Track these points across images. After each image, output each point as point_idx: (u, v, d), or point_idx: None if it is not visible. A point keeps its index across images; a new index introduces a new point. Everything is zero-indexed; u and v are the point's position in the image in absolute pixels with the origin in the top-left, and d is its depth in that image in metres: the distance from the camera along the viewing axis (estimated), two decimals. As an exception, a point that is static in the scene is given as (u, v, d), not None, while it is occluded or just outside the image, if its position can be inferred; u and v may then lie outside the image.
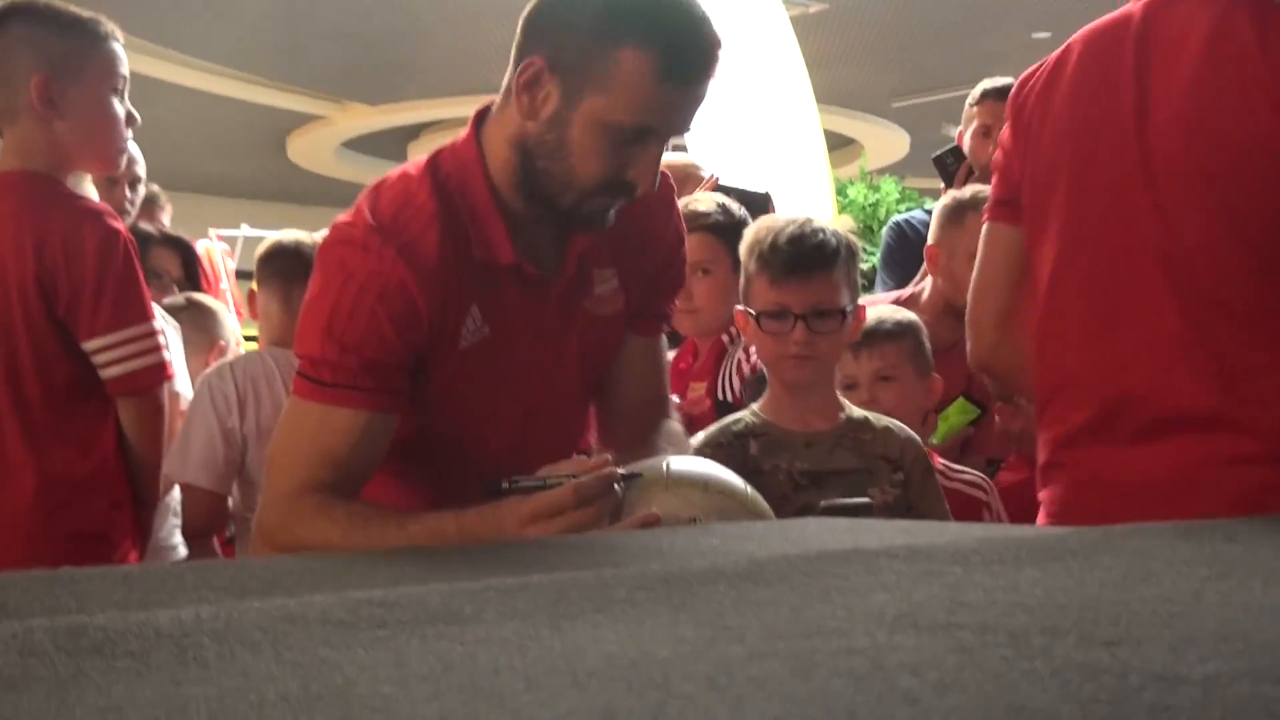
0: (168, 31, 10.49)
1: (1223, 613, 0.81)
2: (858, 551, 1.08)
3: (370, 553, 1.26)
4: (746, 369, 2.81)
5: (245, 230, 10.03)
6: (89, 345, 2.33)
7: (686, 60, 1.67)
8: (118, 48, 2.46)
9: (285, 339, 3.03)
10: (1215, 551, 1.14)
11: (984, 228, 2.11)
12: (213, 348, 3.57)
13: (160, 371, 2.41)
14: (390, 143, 14.12)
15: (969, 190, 3.21)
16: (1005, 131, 2.07)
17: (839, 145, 13.03)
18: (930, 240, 3.18)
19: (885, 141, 13.81)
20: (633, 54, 1.65)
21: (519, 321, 1.84)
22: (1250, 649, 0.68)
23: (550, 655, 0.71)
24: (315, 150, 14.31)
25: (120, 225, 2.38)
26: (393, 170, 1.85)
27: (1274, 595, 0.88)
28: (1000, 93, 3.90)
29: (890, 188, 10.61)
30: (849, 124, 13.18)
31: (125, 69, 2.47)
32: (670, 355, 3.14)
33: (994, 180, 2.12)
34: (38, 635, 0.76)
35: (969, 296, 2.14)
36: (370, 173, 15.13)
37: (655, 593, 0.91)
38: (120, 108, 2.45)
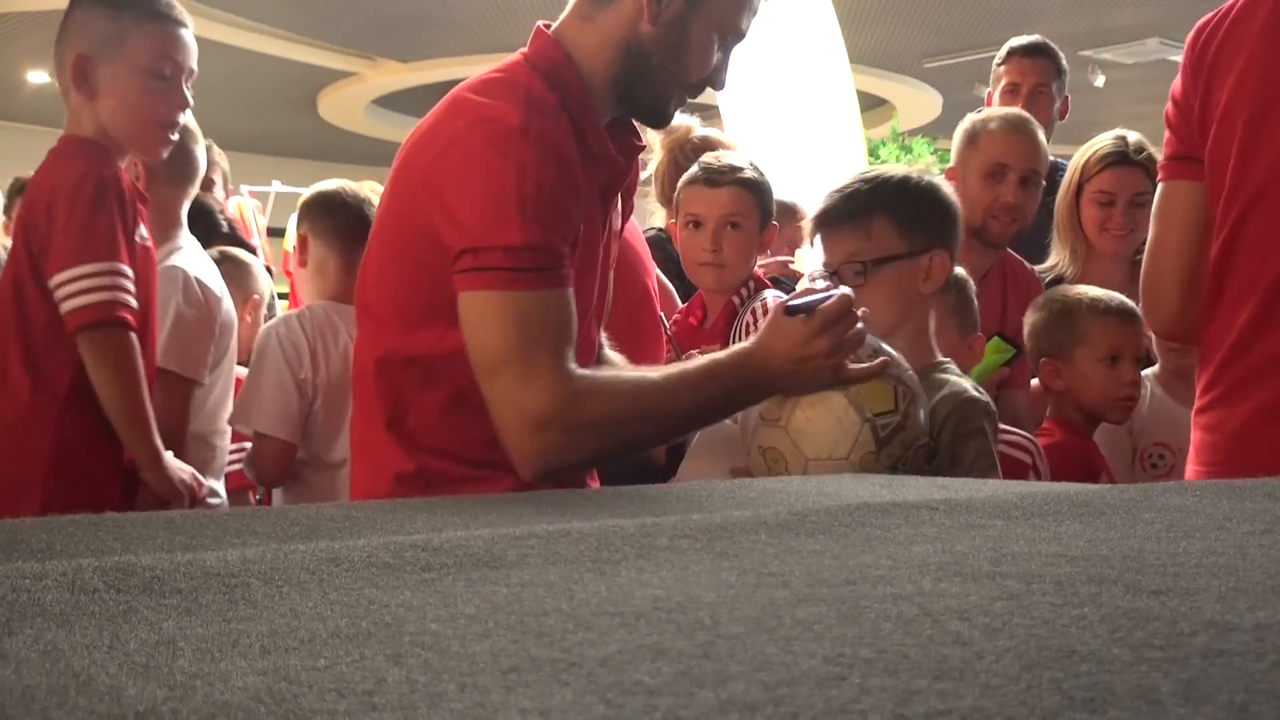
0: (200, -13, 10.48)
1: (1269, 565, 0.81)
2: (897, 504, 1.08)
3: (409, 502, 1.27)
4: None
5: (277, 186, 10.05)
6: (52, 282, 2.32)
7: None
8: (171, 30, 2.45)
9: (344, 295, 3.08)
10: (1257, 508, 1.14)
11: (1159, 189, 2.03)
12: (247, 302, 3.59)
13: (112, 309, 2.33)
14: (421, 100, 14.05)
15: (985, 111, 3.21)
16: (1178, 83, 1.99)
17: (871, 106, 12.94)
18: (950, 163, 3.19)
19: (917, 102, 13.71)
20: None
21: (597, 218, 1.92)
22: (1300, 599, 0.67)
23: (597, 598, 0.71)
24: (346, 107, 14.30)
25: (109, 169, 2.36)
26: (475, 79, 1.89)
27: (1319, 550, 0.88)
28: (1027, 50, 3.89)
29: (922, 148, 10.56)
30: (881, 84, 13.09)
31: (180, 53, 2.46)
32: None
33: (1166, 136, 2.03)
34: (87, 574, 0.76)
35: (1144, 262, 2.03)
36: (401, 130, 15.11)
37: (697, 541, 0.91)
38: (163, 91, 2.45)
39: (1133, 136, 3.29)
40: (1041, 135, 3.11)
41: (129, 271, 2.39)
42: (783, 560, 0.84)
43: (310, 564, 0.81)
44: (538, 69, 1.87)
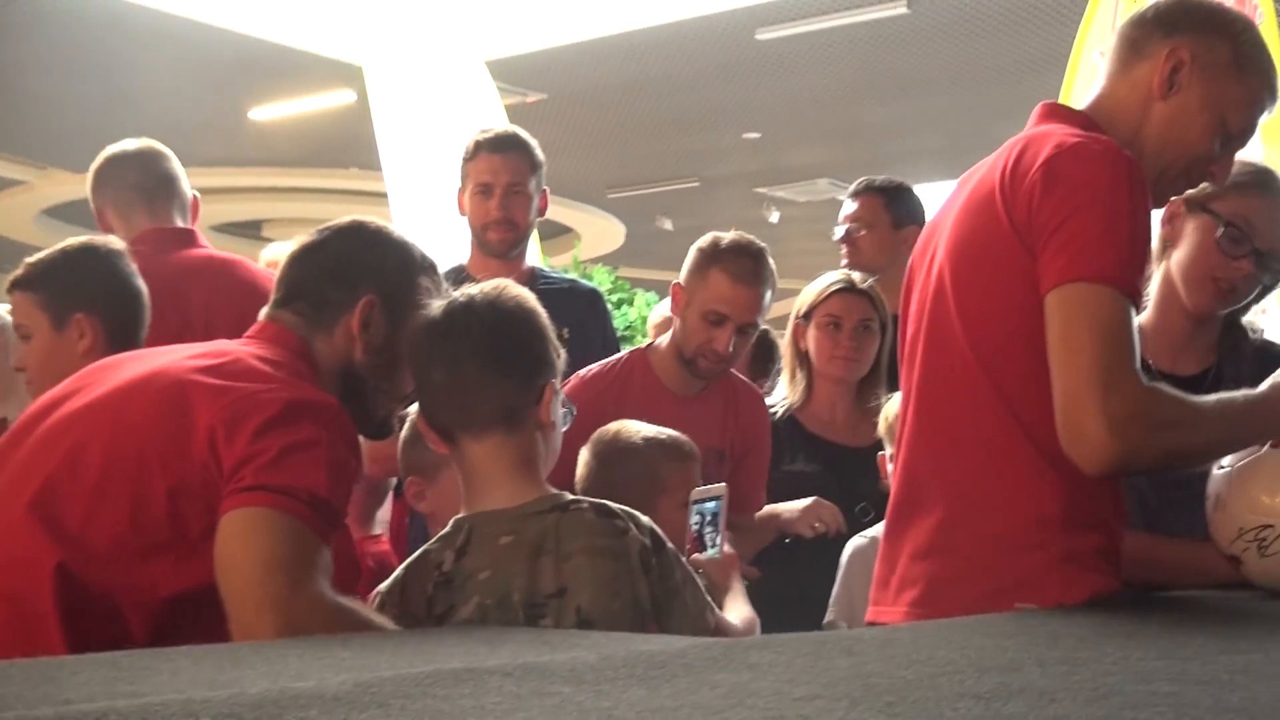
0: None
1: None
2: (472, 671, 1.08)
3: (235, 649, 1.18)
4: None
5: (-69, 298, 9.50)
6: None
7: None
8: None
9: None
10: (828, 667, 1.17)
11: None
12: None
13: None
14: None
15: (726, 240, 3.01)
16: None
17: (555, 233, 13.13)
18: (681, 277, 3.02)
19: (601, 231, 13.98)
20: (425, 279, 2.04)
21: None
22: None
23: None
24: (14, 216, 13.73)
25: None
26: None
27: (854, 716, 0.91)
28: (496, 144, 3.54)
29: (603, 277, 10.76)
30: (565, 213, 13.31)
31: None
32: None
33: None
34: None
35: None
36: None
37: (242, 721, 0.88)
38: None
39: (857, 275, 3.37)
40: (769, 276, 2.99)
41: None
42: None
43: None
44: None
